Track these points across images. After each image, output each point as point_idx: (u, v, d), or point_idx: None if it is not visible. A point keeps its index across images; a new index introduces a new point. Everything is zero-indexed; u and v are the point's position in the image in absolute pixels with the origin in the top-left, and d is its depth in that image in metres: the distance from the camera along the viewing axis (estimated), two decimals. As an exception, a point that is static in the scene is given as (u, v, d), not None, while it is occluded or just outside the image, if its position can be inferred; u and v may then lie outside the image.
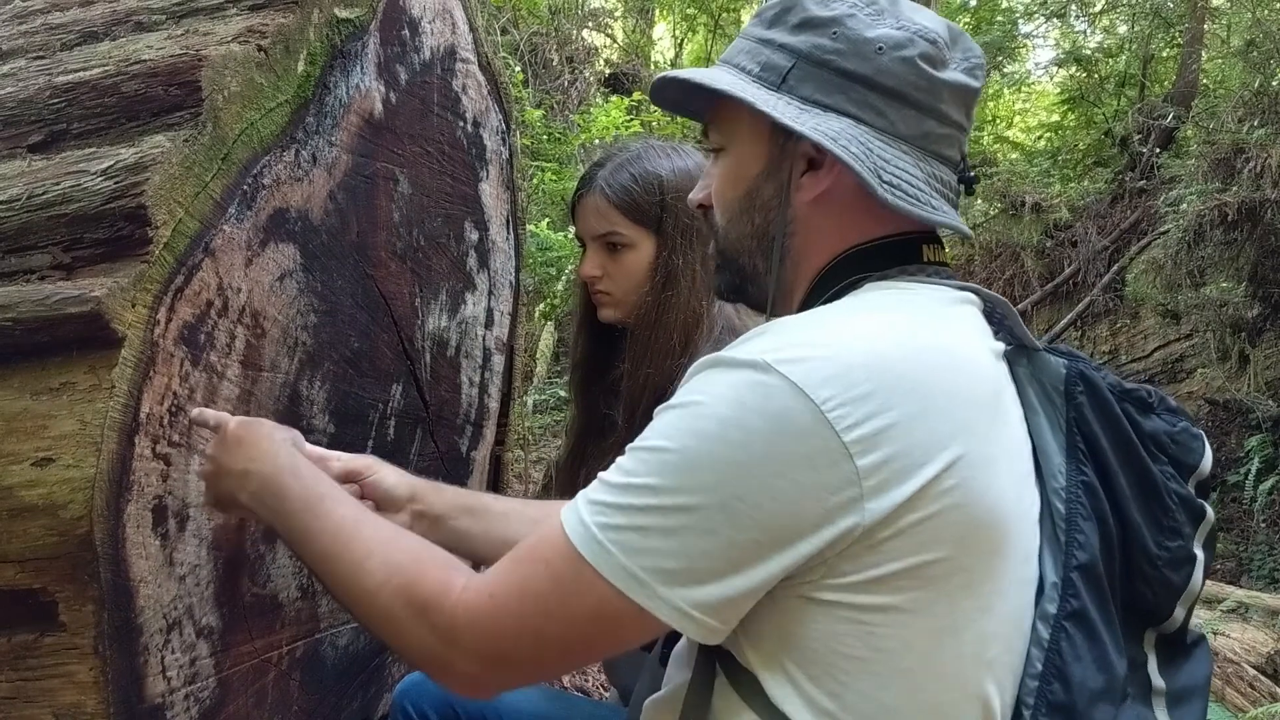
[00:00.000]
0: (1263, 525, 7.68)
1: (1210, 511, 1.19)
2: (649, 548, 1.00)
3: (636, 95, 7.36)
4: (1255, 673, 5.04)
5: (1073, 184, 11.61)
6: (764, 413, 0.98)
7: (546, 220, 5.05)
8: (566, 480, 2.10)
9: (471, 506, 1.53)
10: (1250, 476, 7.90)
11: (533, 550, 1.08)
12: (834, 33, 1.17)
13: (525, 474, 4.50)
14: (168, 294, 1.34)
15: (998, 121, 15.07)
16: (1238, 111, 8.21)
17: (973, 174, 1.23)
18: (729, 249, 1.31)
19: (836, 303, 1.17)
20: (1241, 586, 6.89)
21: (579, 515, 1.05)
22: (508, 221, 2.36)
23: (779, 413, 0.98)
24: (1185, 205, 8.02)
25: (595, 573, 1.01)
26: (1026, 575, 1.09)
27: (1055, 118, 13.58)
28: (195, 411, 1.39)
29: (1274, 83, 8.31)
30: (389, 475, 1.52)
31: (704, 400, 1.02)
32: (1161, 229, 8.91)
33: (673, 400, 1.07)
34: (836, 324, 1.09)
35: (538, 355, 5.05)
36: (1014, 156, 13.84)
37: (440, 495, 1.53)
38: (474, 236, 2.20)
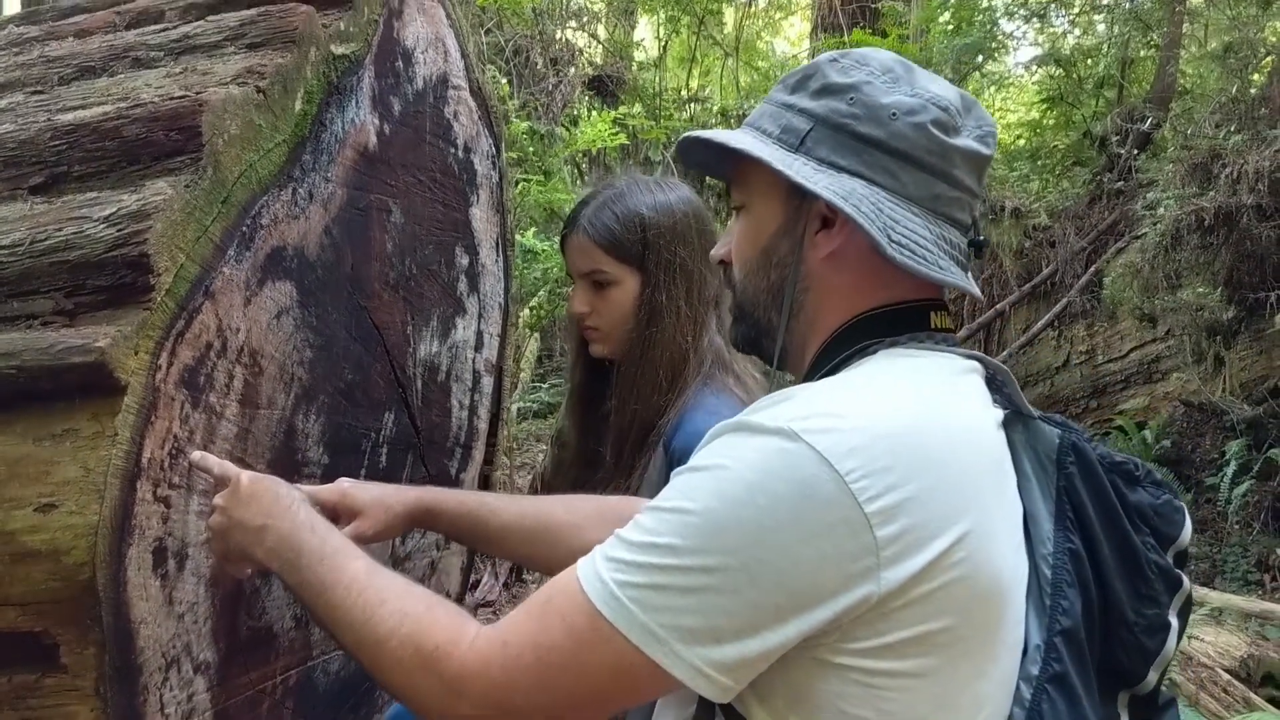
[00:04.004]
0: (1236, 527, 7.76)
1: (1187, 581, 1.23)
2: (668, 606, 1.03)
3: (621, 109, 7.38)
4: (1229, 677, 5.10)
5: (1051, 185, 11.66)
6: (790, 480, 1.02)
7: (533, 229, 5.07)
8: None
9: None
10: (1226, 479, 7.98)
11: (547, 603, 1.10)
12: (851, 98, 1.22)
13: (510, 480, 4.52)
14: (169, 339, 1.36)
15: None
16: (1214, 116, 8.27)
17: (982, 239, 1.28)
18: (745, 303, 1.36)
19: (856, 370, 1.20)
20: (1215, 588, 6.96)
21: (596, 571, 1.07)
22: (498, 244, 2.38)
23: (805, 481, 1.02)
24: (1162, 209, 8.08)
25: (613, 628, 1.04)
26: (1016, 639, 1.13)
27: (1035, 115, 13.64)
28: (196, 455, 1.40)
29: (1251, 89, 8.37)
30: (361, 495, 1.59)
31: (729, 464, 1.06)
32: (1137, 233, 8.98)
33: (694, 463, 1.10)
34: (859, 395, 1.13)
35: (523, 362, 5.07)
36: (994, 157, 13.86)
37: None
38: (464, 261, 2.22)
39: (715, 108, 11.24)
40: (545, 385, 5.50)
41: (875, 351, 1.22)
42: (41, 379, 1.29)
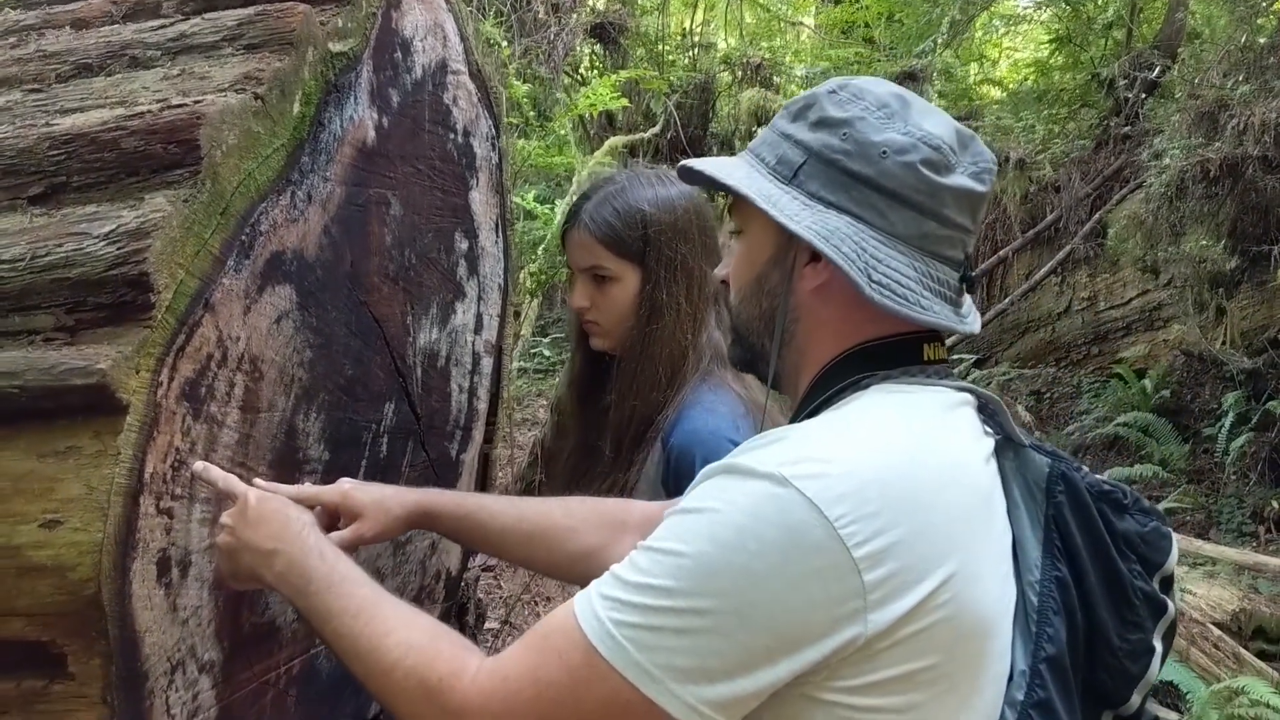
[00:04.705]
0: (1233, 478, 7.82)
1: (1171, 607, 1.28)
2: (662, 645, 1.07)
3: (624, 74, 7.32)
4: (1220, 633, 5.17)
5: (1057, 129, 11.56)
6: (780, 525, 1.05)
7: (534, 192, 5.04)
8: (561, 493, 2.15)
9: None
10: (1224, 430, 8.03)
11: (546, 638, 1.14)
12: (844, 134, 1.23)
13: (511, 438, 4.55)
14: (169, 354, 1.37)
15: (984, 62, 14.98)
16: (1222, 65, 8.19)
17: (973, 274, 1.30)
18: (740, 327, 1.39)
19: (848, 407, 1.23)
20: (1210, 540, 7.03)
21: (593, 609, 1.11)
22: (497, 225, 2.38)
23: (795, 526, 1.05)
24: (1168, 160, 8.03)
25: (609, 665, 1.08)
26: (1001, 670, 1.17)
27: (1043, 53, 13.48)
28: (199, 466, 1.42)
29: (1260, 37, 8.28)
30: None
31: (721, 508, 1.09)
32: (1140, 180, 8.94)
33: (686, 504, 1.13)
34: (849, 436, 1.15)
35: (524, 325, 5.08)
36: (998, 95, 13.76)
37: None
38: (464, 246, 2.22)
39: (718, 55, 11.12)
40: (546, 339, 5.50)
41: (868, 386, 1.24)
42: (43, 399, 1.30)
